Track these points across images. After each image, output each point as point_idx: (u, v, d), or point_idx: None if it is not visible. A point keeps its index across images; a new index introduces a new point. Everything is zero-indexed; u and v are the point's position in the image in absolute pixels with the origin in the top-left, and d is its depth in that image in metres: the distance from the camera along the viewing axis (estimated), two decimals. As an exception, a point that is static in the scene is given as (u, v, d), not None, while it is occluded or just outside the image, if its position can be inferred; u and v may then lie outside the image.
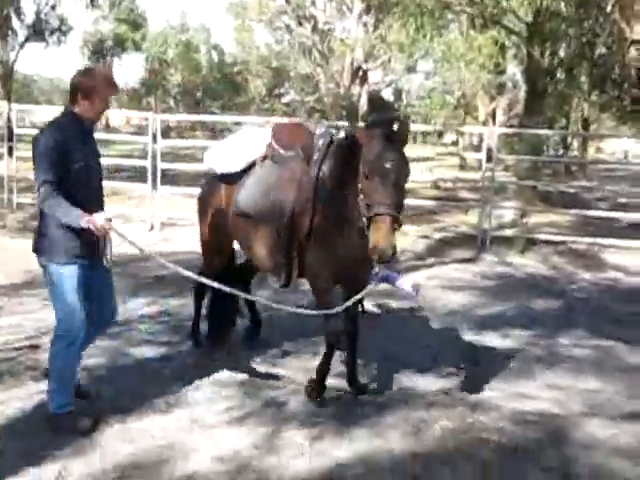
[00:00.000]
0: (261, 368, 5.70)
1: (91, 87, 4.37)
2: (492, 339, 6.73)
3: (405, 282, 5.90)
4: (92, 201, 4.36)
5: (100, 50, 52.62)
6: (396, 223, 4.13)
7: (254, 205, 5.13)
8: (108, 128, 45.27)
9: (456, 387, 5.47)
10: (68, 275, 4.32)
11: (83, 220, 4.10)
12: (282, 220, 4.89)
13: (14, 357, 5.65)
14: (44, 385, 4.83)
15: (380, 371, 5.76)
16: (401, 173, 4.22)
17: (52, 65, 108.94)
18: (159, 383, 5.29)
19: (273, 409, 4.94)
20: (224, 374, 5.51)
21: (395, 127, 4.27)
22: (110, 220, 4.16)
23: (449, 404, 5.15)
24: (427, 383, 5.55)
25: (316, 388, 5.09)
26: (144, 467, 4.10)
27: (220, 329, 6.05)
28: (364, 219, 4.22)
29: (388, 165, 4.16)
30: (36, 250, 4.41)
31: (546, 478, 4.23)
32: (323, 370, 5.05)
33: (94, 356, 5.55)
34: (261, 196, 5.11)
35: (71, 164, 4.25)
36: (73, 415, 4.48)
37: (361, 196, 4.27)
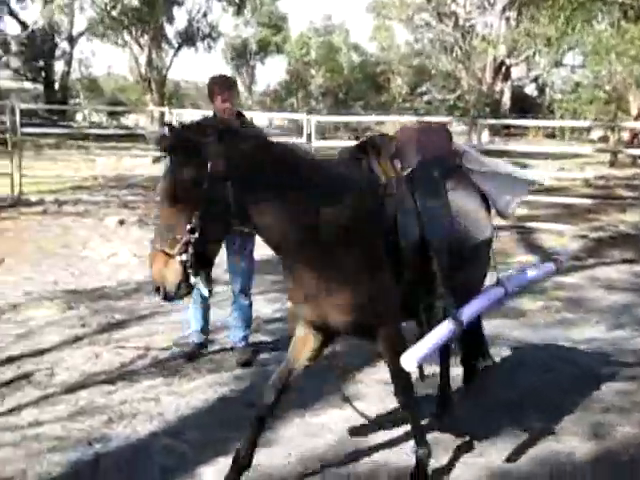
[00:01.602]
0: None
1: (210, 89, 5.30)
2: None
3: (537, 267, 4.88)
4: None
5: (242, 54, 54.07)
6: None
7: None
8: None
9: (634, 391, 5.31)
10: None
11: None
12: None
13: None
14: (221, 377, 5.09)
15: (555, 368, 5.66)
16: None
17: (196, 70, 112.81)
18: (332, 378, 5.43)
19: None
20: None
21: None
22: None
23: (628, 408, 5.01)
24: (604, 387, 5.41)
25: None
26: (326, 460, 4.23)
27: None
28: None
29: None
30: None
31: None
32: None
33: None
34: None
35: None
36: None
37: None
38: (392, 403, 4.52)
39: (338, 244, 3.43)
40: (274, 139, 3.60)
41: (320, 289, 3.50)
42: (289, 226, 3.35)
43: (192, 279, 3.18)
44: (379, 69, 50.44)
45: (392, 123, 36.35)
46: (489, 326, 5.28)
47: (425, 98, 43.89)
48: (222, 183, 3.14)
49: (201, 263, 3.19)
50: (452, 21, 42.62)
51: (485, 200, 4.24)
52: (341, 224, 3.42)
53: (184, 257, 3.11)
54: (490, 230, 4.19)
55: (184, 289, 3.19)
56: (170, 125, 3.14)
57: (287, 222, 3.34)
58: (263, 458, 4.13)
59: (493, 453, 4.32)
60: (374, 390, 5.25)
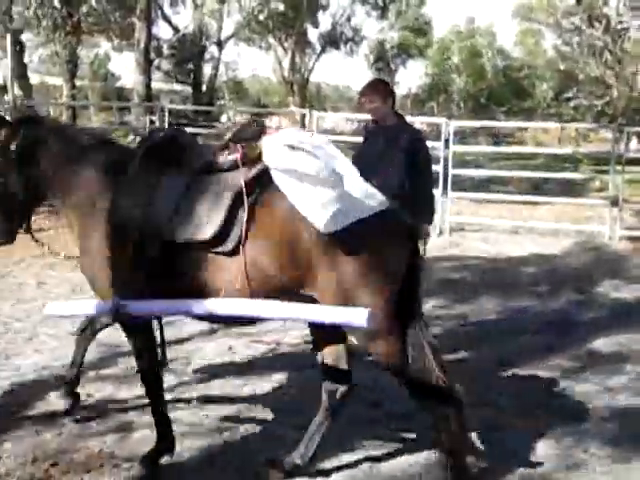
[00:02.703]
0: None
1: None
2: None
3: None
4: None
5: (384, 58, 54.12)
6: None
7: None
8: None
9: None
10: None
11: None
12: None
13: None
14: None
15: None
16: None
17: (338, 73, 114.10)
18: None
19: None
20: (519, 383, 5.49)
21: None
22: None
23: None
24: None
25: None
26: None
27: None
28: None
29: None
30: None
31: None
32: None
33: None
34: None
35: None
36: None
37: None
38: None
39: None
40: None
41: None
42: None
43: None
44: (523, 73, 49.28)
45: (534, 129, 35.55)
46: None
47: (571, 104, 42.48)
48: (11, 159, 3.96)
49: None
50: (603, 25, 41.07)
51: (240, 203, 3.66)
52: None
53: None
54: (211, 232, 3.63)
55: None
56: None
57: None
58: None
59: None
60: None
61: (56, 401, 4.87)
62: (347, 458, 4.21)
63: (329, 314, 3.46)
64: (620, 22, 39.88)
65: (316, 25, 32.22)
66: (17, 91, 12.85)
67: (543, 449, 4.39)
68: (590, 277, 9.13)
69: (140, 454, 4.09)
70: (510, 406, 5.03)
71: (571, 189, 15.45)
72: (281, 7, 30.45)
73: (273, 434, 4.54)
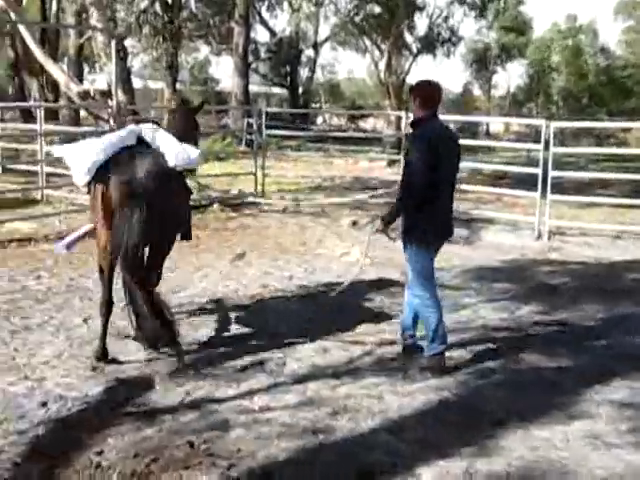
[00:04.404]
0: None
1: None
2: None
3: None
4: None
5: (482, 59, 53.39)
6: None
7: None
8: (488, 135, 45.77)
9: None
10: None
11: None
12: None
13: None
14: (443, 381, 5.14)
15: None
16: None
17: (435, 75, 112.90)
18: (559, 393, 5.27)
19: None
20: (625, 393, 5.31)
21: None
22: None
23: None
24: None
25: None
26: (540, 477, 4.11)
27: None
28: None
29: None
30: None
31: None
32: None
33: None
34: None
35: None
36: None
37: None
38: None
39: None
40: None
41: None
42: None
43: None
44: (626, 72, 47.76)
45: (638, 130, 34.34)
46: None
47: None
48: None
49: None
50: None
51: None
52: None
53: None
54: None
55: None
56: None
57: None
58: (483, 465, 4.10)
59: None
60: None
61: (156, 398, 5.01)
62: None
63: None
64: None
65: (412, 26, 32.02)
66: (120, 96, 13.24)
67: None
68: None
69: (238, 453, 4.16)
70: (612, 417, 4.87)
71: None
72: (377, 9, 30.40)
73: (367, 437, 4.52)
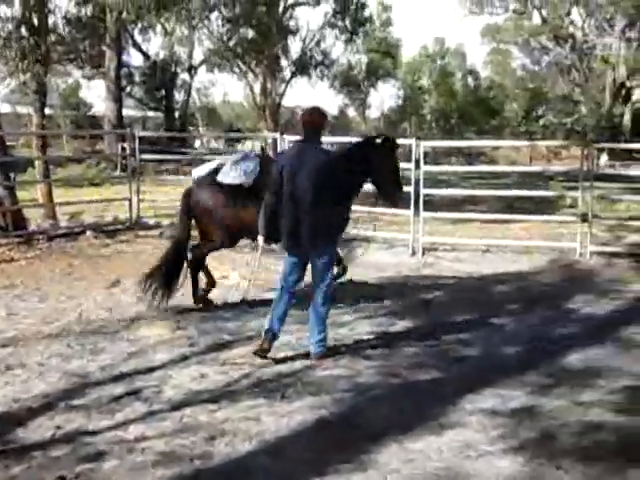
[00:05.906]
0: (529, 400, 5.59)
1: None
2: None
3: None
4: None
5: (353, 81, 54.32)
6: None
7: None
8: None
9: None
10: None
11: None
12: None
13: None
14: (321, 400, 5.16)
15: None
16: None
17: (310, 97, 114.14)
18: (433, 404, 5.40)
19: (549, 441, 4.82)
20: (495, 401, 5.49)
21: None
22: None
23: None
24: None
25: None
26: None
27: None
28: None
29: None
30: None
31: None
32: None
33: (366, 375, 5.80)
34: None
35: None
36: None
37: None
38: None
39: None
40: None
41: None
42: None
43: None
44: (492, 93, 49.91)
45: (506, 148, 35.88)
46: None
47: (541, 122, 42.99)
48: None
49: None
50: (569, 44, 41.73)
51: None
52: None
53: None
54: None
55: None
56: None
57: None
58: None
59: None
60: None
61: (25, 434, 4.80)
62: None
63: None
64: (586, 41, 40.50)
65: (286, 50, 32.41)
66: (-14, 121, 12.74)
67: (514, 467, 4.40)
68: (562, 293, 9.18)
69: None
70: (482, 425, 5.02)
71: (543, 206, 15.56)
72: (250, 33, 30.60)
73: (245, 460, 4.49)
